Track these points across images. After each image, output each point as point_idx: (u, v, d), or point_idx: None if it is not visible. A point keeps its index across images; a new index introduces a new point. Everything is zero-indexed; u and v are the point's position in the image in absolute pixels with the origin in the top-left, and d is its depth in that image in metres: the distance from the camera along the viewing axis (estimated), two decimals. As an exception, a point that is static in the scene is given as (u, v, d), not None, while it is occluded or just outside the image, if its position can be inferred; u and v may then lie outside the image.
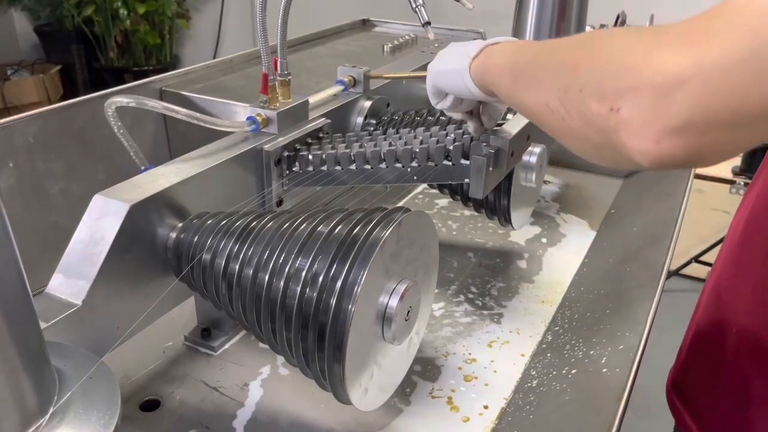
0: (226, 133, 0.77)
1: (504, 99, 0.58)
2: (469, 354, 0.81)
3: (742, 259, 0.70)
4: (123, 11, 3.20)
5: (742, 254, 0.70)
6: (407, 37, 1.33)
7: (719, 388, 0.72)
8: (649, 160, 0.40)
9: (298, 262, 0.57)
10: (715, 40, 0.36)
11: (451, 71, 0.64)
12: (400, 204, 1.17)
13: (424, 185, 1.21)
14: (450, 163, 0.74)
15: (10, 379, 0.40)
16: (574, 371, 0.74)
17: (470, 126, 0.73)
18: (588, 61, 0.43)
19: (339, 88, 0.95)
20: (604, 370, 0.71)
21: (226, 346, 0.80)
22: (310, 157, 0.79)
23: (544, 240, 1.09)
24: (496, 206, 0.90)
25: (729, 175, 2.36)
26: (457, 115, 0.72)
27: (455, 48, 0.65)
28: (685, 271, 2.42)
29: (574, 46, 0.47)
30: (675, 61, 0.37)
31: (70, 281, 0.59)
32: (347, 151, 0.78)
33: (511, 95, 0.55)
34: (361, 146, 0.78)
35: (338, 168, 0.78)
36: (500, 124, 0.76)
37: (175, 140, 1.04)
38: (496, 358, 0.80)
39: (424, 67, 1.13)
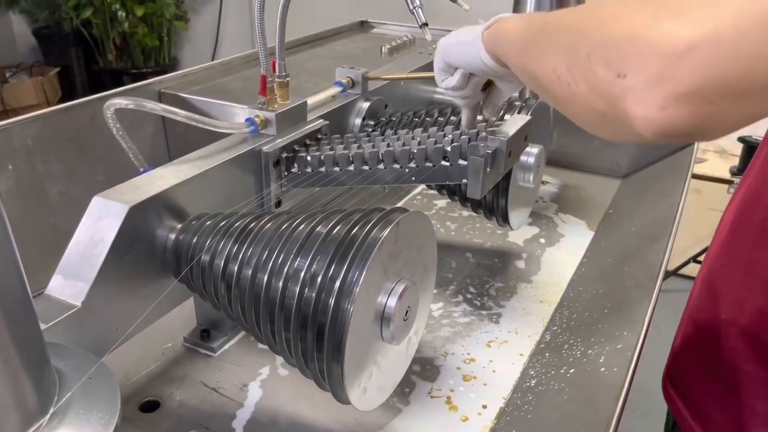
0: (225, 135, 0.78)
1: (513, 68, 0.58)
2: (468, 354, 0.81)
3: (732, 249, 0.72)
4: (121, 13, 3.20)
5: (733, 244, 0.72)
6: (405, 38, 1.34)
7: (711, 374, 0.73)
8: (653, 129, 0.39)
9: (296, 262, 0.58)
10: (724, 7, 0.36)
11: (462, 42, 0.63)
12: (399, 204, 1.17)
13: (423, 186, 1.21)
14: (448, 164, 0.74)
15: (10, 379, 0.40)
16: (572, 371, 0.74)
17: (463, 117, 0.72)
18: (597, 26, 0.43)
19: (337, 89, 0.95)
20: (602, 369, 0.72)
21: (226, 347, 0.80)
22: (309, 158, 0.79)
23: (542, 240, 1.09)
24: (494, 207, 0.90)
25: (727, 175, 2.36)
26: (459, 101, 0.72)
27: (468, 27, 0.65)
28: (684, 271, 2.42)
29: (584, 11, 0.47)
30: (684, 28, 0.37)
31: (70, 282, 0.59)
32: (345, 152, 0.78)
33: (520, 63, 0.55)
34: (359, 147, 0.78)
35: (336, 169, 0.78)
36: (498, 125, 0.76)
37: (174, 142, 1.05)
38: (495, 357, 0.81)
39: (422, 68, 1.13)
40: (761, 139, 0.70)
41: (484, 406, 0.73)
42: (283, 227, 0.61)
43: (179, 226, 0.67)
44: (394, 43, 1.30)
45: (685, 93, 0.37)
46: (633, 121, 0.40)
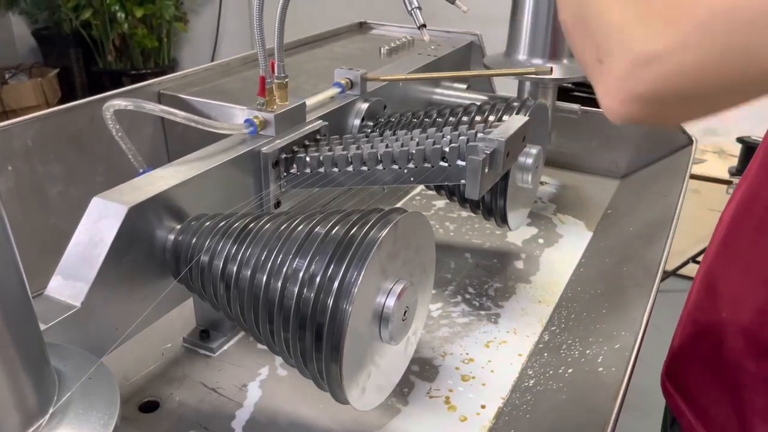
0: (224, 136, 0.78)
1: None
2: (467, 354, 0.81)
3: (731, 248, 0.73)
4: (121, 15, 3.20)
5: (732, 243, 0.73)
6: (404, 39, 1.34)
7: (711, 372, 0.73)
8: (612, 117, 0.44)
9: (295, 262, 0.58)
10: (695, 23, 0.39)
11: None
12: (398, 205, 1.17)
13: (422, 186, 1.21)
14: (446, 165, 0.75)
15: (10, 379, 0.40)
16: (570, 370, 0.74)
17: None
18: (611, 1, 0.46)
19: (336, 90, 0.95)
20: (601, 369, 0.72)
21: (225, 348, 0.81)
22: (308, 159, 0.79)
23: (540, 240, 1.09)
24: (492, 207, 0.90)
25: (726, 176, 2.37)
26: None
27: None
28: (682, 271, 2.43)
29: None
30: (654, 37, 0.40)
31: (69, 283, 0.59)
32: (344, 153, 0.78)
33: None
34: (358, 148, 0.78)
35: (335, 170, 0.78)
36: (496, 125, 0.76)
37: (173, 143, 1.05)
38: (494, 358, 0.81)
39: (421, 69, 1.14)
40: (760, 139, 0.71)
41: (483, 406, 0.73)
42: (282, 228, 0.61)
43: (178, 226, 0.67)
44: (393, 44, 1.30)
45: (643, 95, 0.41)
46: (600, 102, 0.45)
